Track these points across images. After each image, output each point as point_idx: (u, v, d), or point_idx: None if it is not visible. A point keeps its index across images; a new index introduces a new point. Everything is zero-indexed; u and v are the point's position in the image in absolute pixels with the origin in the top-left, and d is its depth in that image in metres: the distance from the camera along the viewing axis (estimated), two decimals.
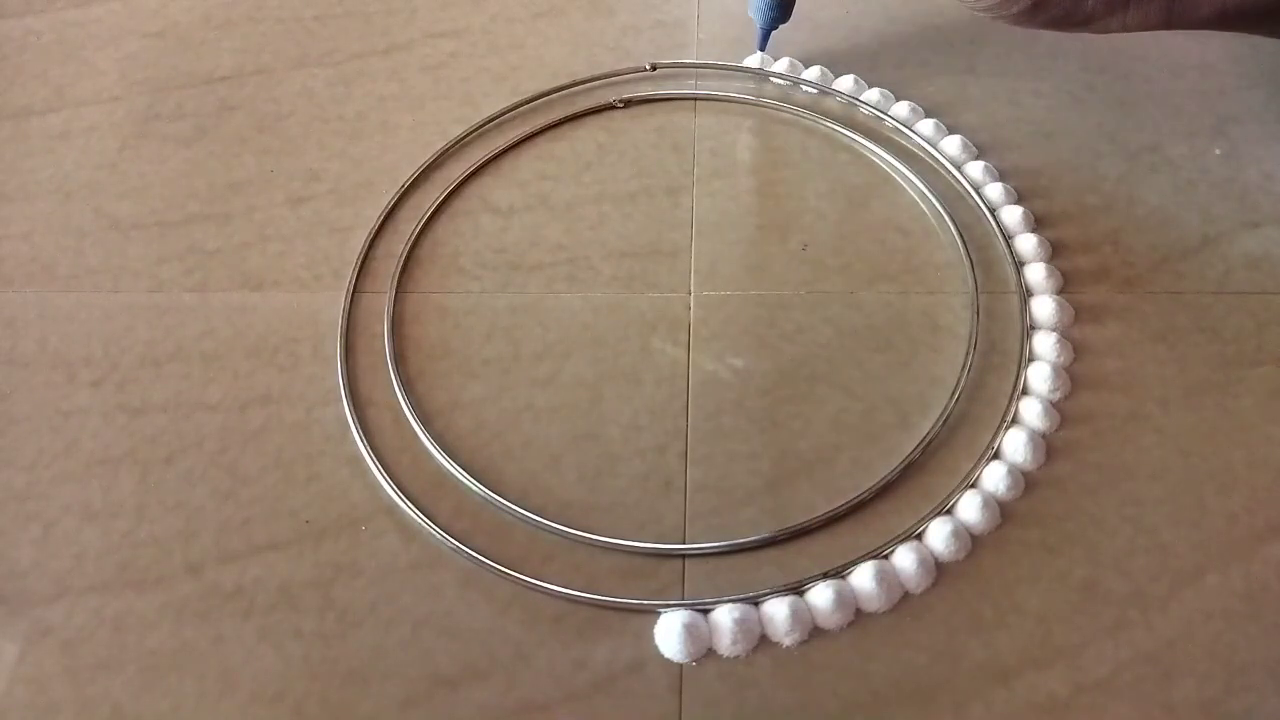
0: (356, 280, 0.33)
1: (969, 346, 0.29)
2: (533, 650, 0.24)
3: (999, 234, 0.32)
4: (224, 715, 0.23)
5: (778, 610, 0.24)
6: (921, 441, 0.27)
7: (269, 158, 0.37)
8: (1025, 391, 0.28)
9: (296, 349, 0.31)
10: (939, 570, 0.25)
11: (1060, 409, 0.28)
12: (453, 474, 0.28)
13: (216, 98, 0.40)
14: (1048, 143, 0.35)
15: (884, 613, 0.24)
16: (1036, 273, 0.31)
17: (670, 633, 0.24)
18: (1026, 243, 0.32)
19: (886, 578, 0.24)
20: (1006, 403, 0.28)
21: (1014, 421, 0.28)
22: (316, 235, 0.34)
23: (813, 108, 0.37)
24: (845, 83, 0.37)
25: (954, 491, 0.26)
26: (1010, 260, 0.32)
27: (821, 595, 0.24)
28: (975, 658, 0.23)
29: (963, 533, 0.25)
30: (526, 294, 0.32)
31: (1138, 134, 0.35)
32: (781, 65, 0.38)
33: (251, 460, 0.28)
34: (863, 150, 0.35)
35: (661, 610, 0.24)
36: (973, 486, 0.26)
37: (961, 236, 0.32)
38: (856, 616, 0.24)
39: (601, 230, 0.34)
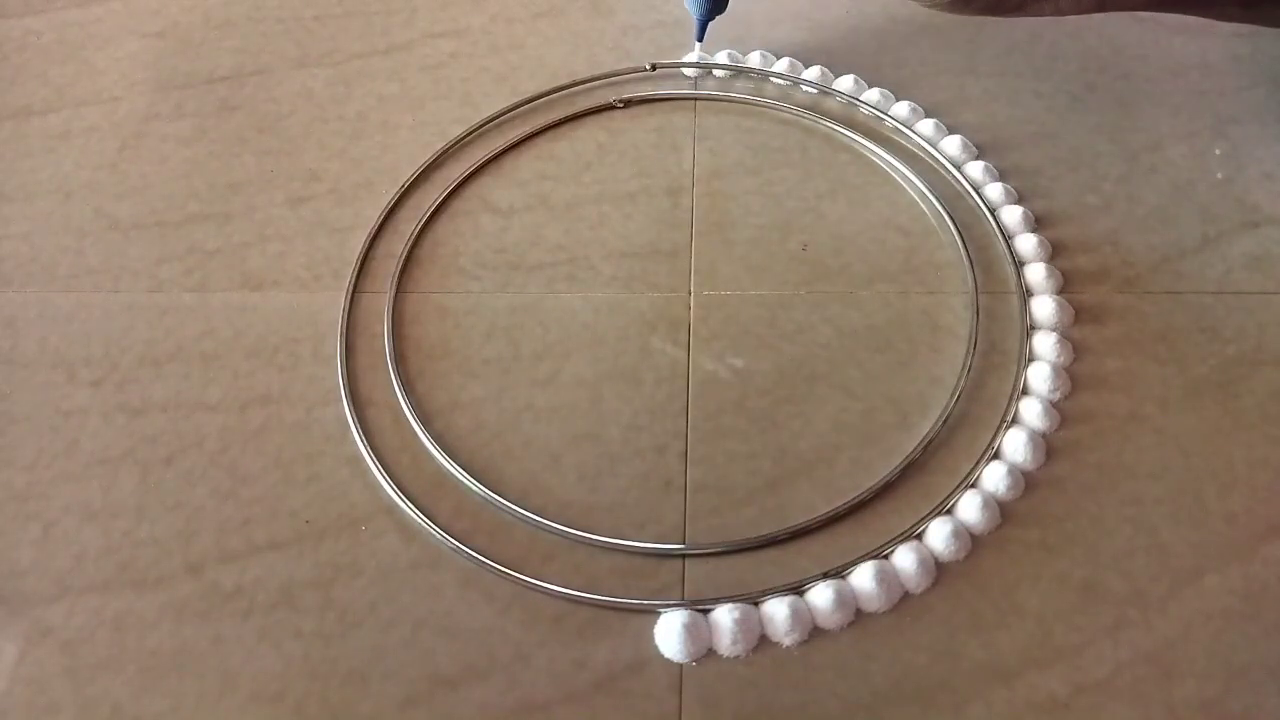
0: (356, 280, 0.33)
1: (969, 346, 0.29)
2: (533, 650, 0.24)
3: (999, 234, 0.32)
4: (224, 715, 0.23)
5: (778, 610, 0.24)
6: (921, 441, 0.27)
7: (269, 158, 0.37)
8: (1025, 391, 0.28)
9: (296, 349, 0.31)
10: (939, 570, 0.25)
11: (1060, 409, 0.28)
12: (453, 474, 0.28)
13: (216, 98, 0.40)
14: (1048, 142, 0.35)
15: (884, 613, 0.24)
16: (1036, 273, 0.31)
17: (670, 633, 0.24)
18: (1026, 243, 0.32)
19: (886, 578, 0.24)
20: (1006, 403, 0.28)
21: (1014, 421, 0.28)
22: (316, 235, 0.34)
23: (813, 108, 0.37)
24: (845, 82, 0.37)
25: (954, 492, 0.26)
26: (1010, 260, 0.32)
27: (821, 595, 0.24)
28: (975, 658, 0.23)
29: (963, 533, 0.25)
30: (526, 294, 0.32)
31: (1138, 134, 0.35)
32: (782, 65, 0.38)
33: (251, 460, 0.28)
34: (863, 150, 0.35)
35: (661, 610, 0.24)
36: (973, 486, 0.26)
37: (961, 236, 0.32)
38: (856, 617, 0.24)
39: (601, 230, 0.34)
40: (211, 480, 0.28)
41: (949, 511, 0.26)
